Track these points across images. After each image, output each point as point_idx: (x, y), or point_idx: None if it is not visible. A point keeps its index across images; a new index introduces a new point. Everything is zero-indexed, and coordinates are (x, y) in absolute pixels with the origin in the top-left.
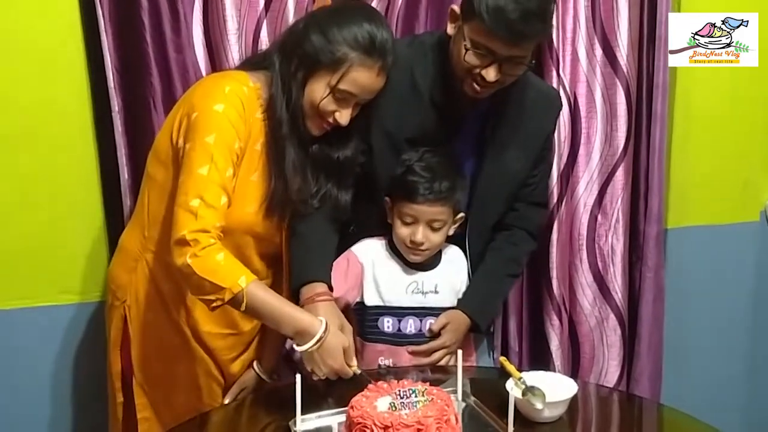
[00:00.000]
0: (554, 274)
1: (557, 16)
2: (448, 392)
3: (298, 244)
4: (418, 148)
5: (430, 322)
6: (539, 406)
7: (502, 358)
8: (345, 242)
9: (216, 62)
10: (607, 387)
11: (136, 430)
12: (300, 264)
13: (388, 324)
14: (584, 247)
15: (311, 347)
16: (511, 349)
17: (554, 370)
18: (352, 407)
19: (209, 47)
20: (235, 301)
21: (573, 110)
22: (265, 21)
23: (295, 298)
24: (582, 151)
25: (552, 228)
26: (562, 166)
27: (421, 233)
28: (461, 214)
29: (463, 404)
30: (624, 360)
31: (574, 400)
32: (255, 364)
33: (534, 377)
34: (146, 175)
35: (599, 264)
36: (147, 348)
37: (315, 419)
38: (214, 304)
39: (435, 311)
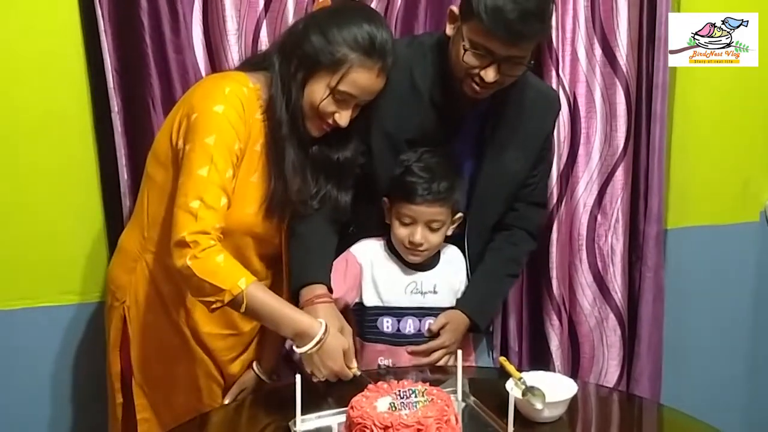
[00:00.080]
0: (554, 274)
1: (557, 16)
2: (447, 392)
3: (297, 245)
4: (417, 148)
5: (429, 322)
6: (539, 406)
7: (502, 358)
8: (345, 243)
9: (215, 63)
10: (607, 387)
11: (135, 430)
12: (300, 265)
13: (387, 324)
14: (584, 247)
15: (311, 349)
16: (510, 349)
17: (554, 370)
18: (352, 407)
19: (209, 48)
20: (235, 303)
21: (572, 110)
22: (264, 21)
23: (294, 299)
24: (582, 151)
25: (552, 228)
26: (561, 166)
27: (419, 234)
28: (460, 215)
29: (463, 404)
30: (624, 360)
31: (573, 400)
32: (255, 364)
33: (534, 377)
34: (146, 176)
35: (599, 264)
36: (146, 349)
37: (315, 419)
38: (214, 306)
39: (434, 311)
